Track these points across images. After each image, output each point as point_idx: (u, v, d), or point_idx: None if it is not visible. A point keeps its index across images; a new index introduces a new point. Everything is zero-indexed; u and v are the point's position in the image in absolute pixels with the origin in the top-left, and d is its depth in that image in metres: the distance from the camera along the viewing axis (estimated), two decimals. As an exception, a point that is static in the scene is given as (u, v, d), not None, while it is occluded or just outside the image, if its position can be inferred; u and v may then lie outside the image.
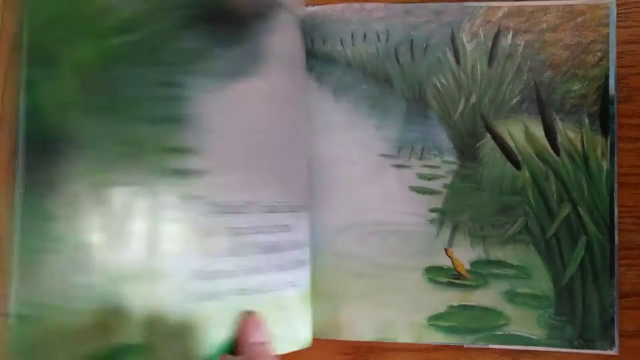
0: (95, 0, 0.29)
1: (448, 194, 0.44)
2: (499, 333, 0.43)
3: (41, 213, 0.29)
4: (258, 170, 0.36)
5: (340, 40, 0.46)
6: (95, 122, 0.29)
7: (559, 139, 0.43)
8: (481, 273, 0.43)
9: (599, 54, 0.43)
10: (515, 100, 0.44)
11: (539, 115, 0.43)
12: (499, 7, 0.45)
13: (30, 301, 0.28)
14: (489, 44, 0.45)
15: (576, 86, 0.43)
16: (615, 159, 0.43)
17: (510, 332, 0.42)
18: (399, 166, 0.45)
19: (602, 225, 0.42)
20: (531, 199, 0.43)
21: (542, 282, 0.42)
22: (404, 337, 0.43)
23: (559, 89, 0.43)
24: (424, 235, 0.44)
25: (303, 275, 0.42)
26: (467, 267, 0.43)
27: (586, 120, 0.43)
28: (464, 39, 0.45)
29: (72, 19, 0.29)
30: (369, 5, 0.46)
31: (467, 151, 0.44)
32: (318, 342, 0.46)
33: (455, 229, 0.44)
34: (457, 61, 0.45)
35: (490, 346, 0.43)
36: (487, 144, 0.44)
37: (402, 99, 0.45)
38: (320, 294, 0.44)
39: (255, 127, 0.36)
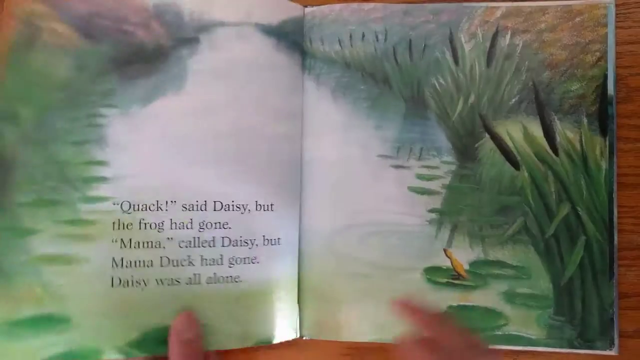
0: (40, 72, 0.42)
1: (447, 195, 0.44)
2: (499, 333, 0.43)
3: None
4: (175, 172, 0.42)
5: (339, 40, 0.46)
6: (36, 148, 0.41)
7: (558, 139, 0.43)
8: (480, 273, 0.43)
9: (598, 54, 0.43)
10: (513, 100, 0.44)
11: (538, 116, 0.43)
12: (497, 8, 0.45)
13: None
14: (487, 44, 0.45)
15: (575, 86, 0.43)
16: (615, 159, 0.43)
17: (510, 332, 0.42)
18: (397, 167, 0.45)
19: (601, 225, 0.42)
20: (530, 199, 0.43)
21: (541, 282, 0.42)
22: (403, 338, 0.43)
23: (558, 89, 0.43)
24: (423, 235, 0.44)
25: (250, 272, 0.42)
26: (466, 267, 0.43)
27: (585, 120, 0.43)
28: (463, 39, 0.45)
29: (27, 87, 0.42)
30: (367, 6, 0.46)
31: (465, 151, 0.44)
32: (317, 343, 0.45)
33: (454, 229, 0.44)
34: (456, 61, 0.45)
35: (490, 346, 0.43)
36: (486, 144, 0.44)
37: (401, 99, 0.45)
38: (319, 294, 0.44)
39: (172, 136, 0.43)
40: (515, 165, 0.44)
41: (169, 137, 0.43)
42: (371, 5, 0.46)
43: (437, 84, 0.45)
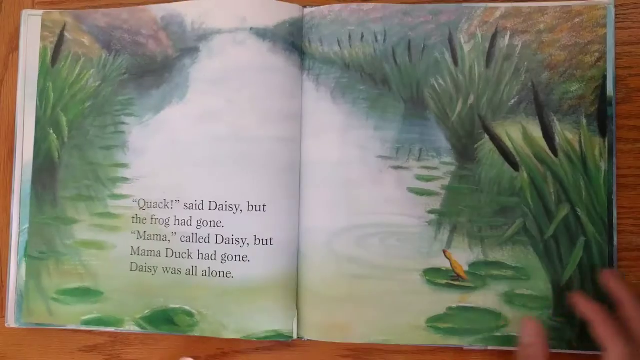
0: (73, 82, 0.49)
1: (446, 196, 0.44)
2: (498, 334, 0.42)
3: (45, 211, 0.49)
4: (179, 174, 0.46)
5: (338, 41, 0.46)
6: (74, 151, 0.49)
7: (557, 140, 0.43)
8: (480, 274, 0.43)
9: (597, 54, 0.43)
10: (513, 101, 0.44)
11: (537, 116, 0.43)
12: (496, 8, 0.45)
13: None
14: (487, 44, 0.44)
15: (574, 87, 0.43)
16: (614, 160, 0.43)
17: (509, 334, 0.42)
18: (397, 168, 0.45)
19: (600, 226, 0.42)
20: (529, 200, 0.43)
21: (540, 284, 0.42)
22: (402, 339, 0.43)
23: (557, 89, 0.43)
24: (422, 236, 0.44)
25: (241, 269, 0.44)
26: (466, 268, 0.43)
27: (584, 121, 0.43)
28: (462, 40, 0.45)
29: (64, 96, 0.49)
30: (366, 6, 0.46)
31: (465, 152, 0.44)
32: (316, 344, 0.45)
33: (453, 230, 0.44)
34: (455, 62, 0.45)
35: (489, 348, 0.43)
36: (485, 145, 0.44)
37: (400, 100, 0.45)
38: (318, 295, 0.44)
39: (177, 141, 0.47)
40: (515, 166, 0.43)
41: (174, 143, 0.47)
42: (370, 5, 0.46)
43: (436, 85, 0.45)
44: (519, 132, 0.44)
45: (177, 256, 0.46)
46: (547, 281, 0.42)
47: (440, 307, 0.43)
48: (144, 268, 0.46)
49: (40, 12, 0.50)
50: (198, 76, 0.47)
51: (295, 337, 0.44)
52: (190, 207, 0.46)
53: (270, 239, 0.44)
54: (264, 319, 0.44)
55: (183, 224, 0.46)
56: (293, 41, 0.46)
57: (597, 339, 0.38)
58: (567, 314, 0.42)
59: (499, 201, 0.44)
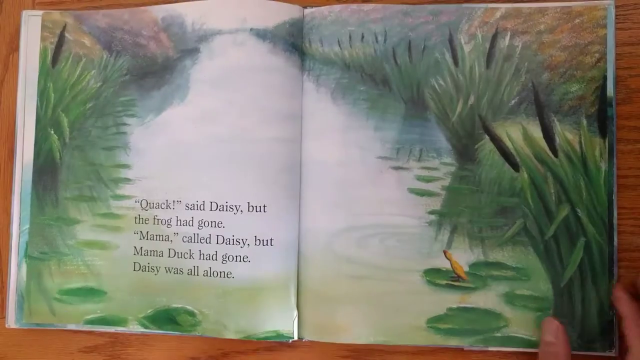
0: (74, 83, 0.49)
1: (446, 196, 0.44)
2: (498, 335, 0.42)
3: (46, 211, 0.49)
4: (181, 175, 0.47)
5: (338, 41, 0.46)
6: (76, 152, 0.49)
7: (557, 140, 0.43)
8: (480, 275, 0.43)
9: (597, 55, 0.43)
10: (513, 101, 0.44)
11: (537, 117, 0.43)
12: (496, 9, 0.45)
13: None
14: (487, 45, 0.44)
15: (574, 87, 0.43)
16: (614, 161, 0.43)
17: (510, 334, 0.42)
18: (397, 168, 0.45)
19: (600, 226, 0.42)
20: (530, 200, 0.43)
21: (541, 284, 0.42)
22: (403, 339, 0.43)
23: (557, 90, 0.43)
24: (422, 237, 0.44)
25: (241, 269, 0.44)
26: (466, 269, 0.43)
27: (584, 122, 0.43)
28: (462, 40, 0.45)
29: (65, 97, 0.49)
30: (366, 6, 0.46)
31: (465, 153, 0.44)
32: (317, 345, 0.45)
33: (453, 230, 0.44)
34: (455, 62, 0.45)
35: (490, 349, 0.43)
36: (486, 145, 0.44)
37: (400, 100, 0.45)
38: (319, 296, 0.44)
39: (178, 142, 0.47)
40: (515, 166, 0.43)
41: (176, 143, 0.47)
42: (370, 6, 0.46)
43: (436, 85, 0.45)
44: (519, 133, 0.44)
45: (179, 256, 0.46)
46: (547, 281, 0.42)
47: (441, 307, 0.43)
48: (146, 268, 0.47)
49: (41, 12, 0.50)
50: (199, 77, 0.47)
51: (295, 337, 0.44)
52: (192, 208, 0.46)
53: (271, 240, 0.44)
54: (264, 320, 0.44)
55: (185, 224, 0.46)
56: (293, 42, 0.46)
57: (625, 337, 0.38)
58: (567, 314, 0.42)
59: (499, 201, 0.43)
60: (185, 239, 0.46)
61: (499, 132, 0.44)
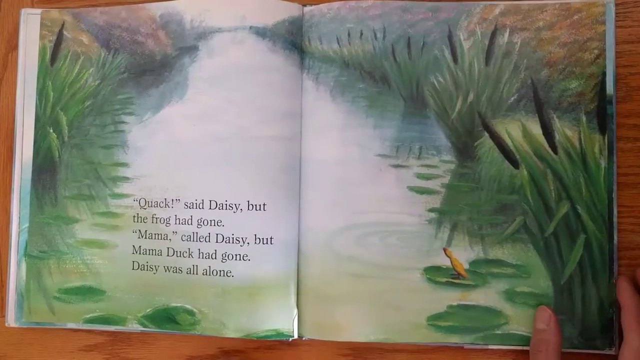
0: (72, 81, 0.49)
1: (446, 194, 0.44)
2: (499, 332, 0.42)
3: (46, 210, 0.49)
4: (179, 173, 0.47)
5: (337, 38, 0.46)
6: (74, 150, 0.49)
7: (557, 137, 0.43)
8: (480, 272, 0.43)
9: (596, 51, 0.43)
10: (512, 98, 0.44)
11: (537, 114, 0.43)
12: (495, 5, 0.44)
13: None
14: (486, 42, 0.44)
15: (573, 84, 0.43)
16: (614, 158, 0.43)
17: (510, 331, 0.42)
18: (397, 166, 0.45)
19: (600, 223, 0.42)
20: (529, 197, 0.43)
21: (541, 281, 0.42)
22: (403, 337, 0.43)
23: (556, 87, 0.43)
24: (422, 235, 0.44)
25: (241, 268, 0.44)
26: (466, 266, 0.43)
27: (583, 118, 0.43)
28: (461, 37, 0.45)
29: (64, 95, 0.49)
30: (365, 3, 0.46)
31: (465, 150, 0.44)
32: (317, 343, 0.45)
33: (453, 228, 0.44)
34: (455, 59, 0.45)
35: (490, 347, 0.43)
36: (485, 142, 0.44)
37: (400, 98, 0.45)
38: (319, 294, 0.44)
39: (177, 141, 0.47)
40: (515, 163, 0.43)
41: (174, 142, 0.47)
42: (369, 2, 0.46)
43: (436, 82, 0.45)
44: (519, 130, 0.43)
45: (178, 255, 0.46)
46: (547, 278, 0.42)
47: (441, 305, 0.43)
48: (145, 267, 0.47)
49: (39, 10, 0.50)
50: (197, 75, 0.47)
51: (295, 336, 0.44)
52: (191, 207, 0.46)
53: (270, 238, 0.44)
54: (264, 318, 0.44)
55: (184, 223, 0.46)
56: (293, 40, 0.46)
57: (622, 328, 0.39)
58: (568, 311, 0.42)
59: (499, 199, 0.43)
60: (184, 238, 0.46)
61: (498, 129, 0.44)
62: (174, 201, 0.46)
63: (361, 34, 0.46)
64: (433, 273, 0.43)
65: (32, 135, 0.49)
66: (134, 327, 0.46)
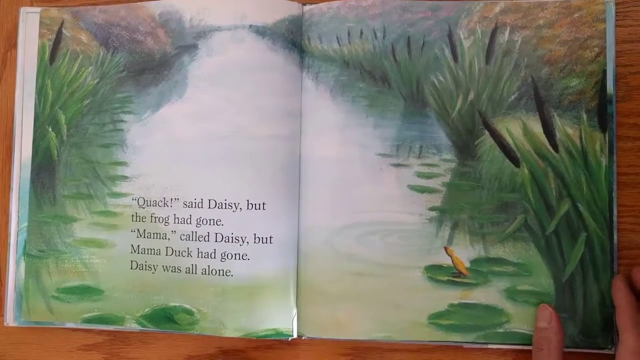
0: (71, 80, 0.49)
1: (447, 192, 0.44)
2: (500, 330, 0.42)
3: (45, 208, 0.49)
4: (178, 172, 0.46)
5: (337, 38, 0.46)
6: (73, 149, 0.49)
7: (558, 135, 0.43)
8: (481, 271, 0.43)
9: (596, 49, 0.43)
10: (513, 97, 0.44)
11: (537, 112, 0.43)
12: (495, 4, 0.45)
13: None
14: (486, 40, 0.44)
15: (574, 82, 0.43)
16: (614, 157, 0.43)
17: (512, 330, 0.42)
18: (397, 165, 0.45)
19: (602, 221, 0.42)
20: (530, 196, 0.43)
21: (542, 279, 0.42)
22: (404, 336, 0.43)
23: (557, 85, 0.43)
24: (423, 233, 0.44)
25: (241, 267, 0.44)
26: (467, 265, 0.43)
27: (584, 116, 0.43)
28: (461, 36, 0.45)
29: (62, 94, 0.49)
30: (365, 2, 0.46)
31: (465, 149, 0.44)
32: (317, 342, 0.45)
33: (454, 227, 0.44)
34: (455, 58, 0.45)
35: (490, 345, 0.43)
36: (486, 141, 0.44)
37: (400, 97, 0.45)
38: (319, 293, 0.44)
39: (176, 139, 0.47)
40: (515, 162, 0.43)
41: (173, 141, 0.47)
42: (369, 2, 0.46)
43: (436, 81, 0.45)
44: (519, 128, 0.43)
45: (177, 254, 0.46)
46: (548, 277, 0.42)
47: (442, 303, 0.43)
48: (144, 266, 0.46)
49: (38, 9, 0.50)
50: (197, 74, 0.47)
51: (295, 335, 0.44)
52: (190, 206, 0.46)
53: (270, 237, 0.44)
54: (264, 318, 0.44)
55: (182, 222, 0.46)
56: (292, 39, 0.46)
57: (617, 328, 0.39)
58: (569, 309, 0.42)
59: (499, 197, 0.43)
60: (183, 237, 0.46)
61: (499, 128, 0.44)
62: (173, 200, 0.46)
63: (361, 33, 0.46)
64: (434, 271, 0.43)
65: (31, 134, 0.49)
66: (132, 326, 0.46)
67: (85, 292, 0.47)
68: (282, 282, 0.44)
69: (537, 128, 0.43)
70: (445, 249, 0.44)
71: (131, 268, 0.47)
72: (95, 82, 0.49)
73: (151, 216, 0.47)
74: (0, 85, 0.51)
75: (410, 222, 0.44)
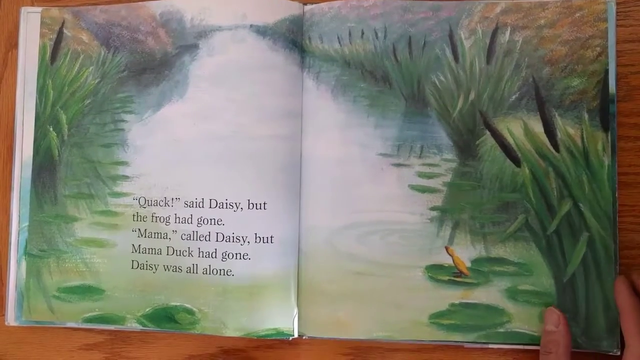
0: (72, 79, 0.49)
1: (448, 192, 0.44)
2: (501, 330, 0.42)
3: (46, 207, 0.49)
4: (179, 172, 0.46)
5: (338, 38, 0.46)
6: (74, 149, 0.49)
7: (559, 135, 0.43)
8: (482, 270, 0.43)
9: (598, 49, 0.43)
10: (514, 96, 0.44)
11: (538, 112, 0.43)
12: (496, 4, 0.45)
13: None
14: (487, 40, 0.44)
15: (575, 82, 0.43)
16: (616, 157, 0.43)
17: (512, 330, 0.42)
18: (398, 165, 0.45)
19: (604, 221, 0.42)
20: (531, 195, 0.43)
21: (543, 279, 0.42)
22: (405, 335, 0.43)
23: (558, 85, 0.43)
24: (424, 233, 0.44)
25: (241, 267, 0.44)
26: (468, 264, 0.43)
27: (586, 116, 0.43)
28: (462, 36, 0.45)
29: (64, 93, 0.49)
30: (366, 2, 0.46)
31: (466, 149, 0.44)
32: (318, 342, 0.45)
33: (455, 226, 0.44)
34: (456, 58, 0.45)
35: (491, 345, 0.43)
36: (487, 141, 0.44)
37: (401, 97, 0.45)
38: (319, 293, 0.44)
39: (177, 139, 0.47)
40: (516, 162, 0.43)
41: (174, 140, 0.47)
42: (370, 2, 0.46)
43: (437, 81, 0.45)
44: (520, 128, 0.43)
45: (178, 254, 0.46)
46: (549, 277, 0.42)
47: (443, 303, 0.43)
48: (145, 266, 0.46)
49: (39, 9, 0.50)
50: (198, 73, 0.47)
51: (295, 335, 0.44)
52: (191, 205, 0.46)
53: (271, 237, 0.44)
54: (264, 317, 0.44)
55: (184, 222, 0.46)
56: (293, 38, 0.46)
57: (623, 333, 0.38)
58: (571, 309, 0.42)
59: (500, 197, 0.43)
60: (184, 237, 0.46)
61: (500, 128, 0.44)
62: (174, 200, 0.46)
63: (362, 33, 0.46)
64: (435, 271, 0.43)
65: (32, 134, 0.49)
66: (133, 326, 0.46)
67: (86, 291, 0.47)
68: (283, 281, 0.44)
69: (538, 128, 0.43)
70: (446, 248, 0.44)
71: (132, 268, 0.47)
72: (96, 81, 0.49)
73: (152, 216, 0.47)
74: (1, 85, 0.51)
75: (411, 221, 0.44)
